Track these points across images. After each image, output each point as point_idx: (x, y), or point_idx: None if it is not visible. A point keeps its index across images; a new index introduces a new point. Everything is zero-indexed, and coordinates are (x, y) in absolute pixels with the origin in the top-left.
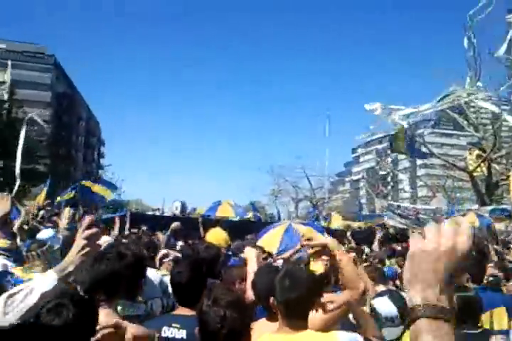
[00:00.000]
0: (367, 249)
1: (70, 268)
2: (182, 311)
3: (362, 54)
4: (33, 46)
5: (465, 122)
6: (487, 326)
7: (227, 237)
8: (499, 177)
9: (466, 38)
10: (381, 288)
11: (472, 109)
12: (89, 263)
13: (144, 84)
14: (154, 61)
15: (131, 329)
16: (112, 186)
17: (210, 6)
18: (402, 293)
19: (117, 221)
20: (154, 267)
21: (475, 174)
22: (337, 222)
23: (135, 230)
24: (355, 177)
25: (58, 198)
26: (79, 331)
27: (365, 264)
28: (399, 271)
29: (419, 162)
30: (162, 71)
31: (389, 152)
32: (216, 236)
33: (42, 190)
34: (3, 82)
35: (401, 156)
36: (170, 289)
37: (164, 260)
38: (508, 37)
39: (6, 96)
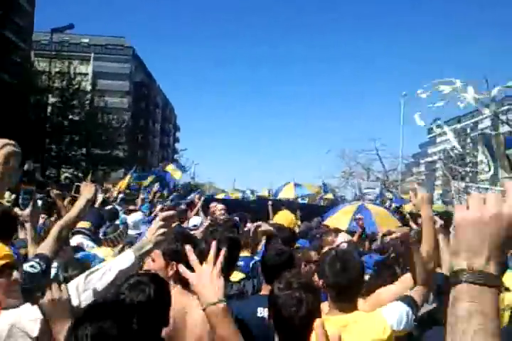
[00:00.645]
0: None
1: (148, 248)
2: None
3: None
4: (112, 39)
5: None
6: None
7: (295, 219)
8: None
9: None
10: None
11: None
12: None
13: (219, 71)
14: (228, 49)
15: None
16: (182, 168)
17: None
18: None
19: (198, 202)
20: None
21: None
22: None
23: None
24: (431, 159)
25: (135, 182)
26: (159, 305)
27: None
28: None
29: None
30: (235, 60)
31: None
32: (284, 217)
33: (126, 176)
34: (86, 74)
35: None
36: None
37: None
38: None
39: (88, 88)
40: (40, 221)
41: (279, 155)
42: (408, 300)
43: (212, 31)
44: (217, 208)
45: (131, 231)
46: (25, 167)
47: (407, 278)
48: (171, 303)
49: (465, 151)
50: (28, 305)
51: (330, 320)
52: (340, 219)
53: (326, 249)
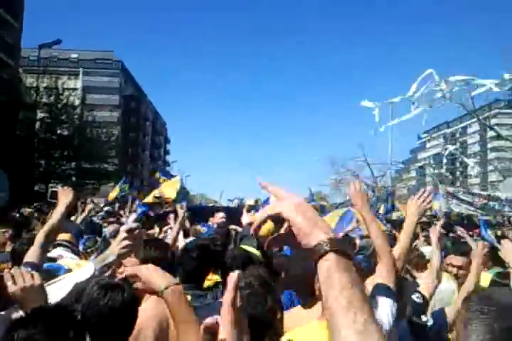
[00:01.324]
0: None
1: (110, 259)
2: None
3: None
4: (101, 53)
5: None
6: None
7: (272, 226)
8: None
9: None
10: None
11: None
12: None
13: (209, 82)
14: (220, 60)
15: None
16: (169, 175)
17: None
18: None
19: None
20: None
21: None
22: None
23: None
24: (420, 164)
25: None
26: (126, 314)
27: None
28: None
29: (489, 145)
30: (226, 69)
31: (457, 136)
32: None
33: (114, 188)
34: (75, 89)
35: (470, 140)
36: None
37: None
38: None
39: (77, 102)
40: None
41: (269, 165)
42: (387, 291)
43: (202, 44)
44: (218, 216)
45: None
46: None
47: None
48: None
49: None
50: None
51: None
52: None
53: None
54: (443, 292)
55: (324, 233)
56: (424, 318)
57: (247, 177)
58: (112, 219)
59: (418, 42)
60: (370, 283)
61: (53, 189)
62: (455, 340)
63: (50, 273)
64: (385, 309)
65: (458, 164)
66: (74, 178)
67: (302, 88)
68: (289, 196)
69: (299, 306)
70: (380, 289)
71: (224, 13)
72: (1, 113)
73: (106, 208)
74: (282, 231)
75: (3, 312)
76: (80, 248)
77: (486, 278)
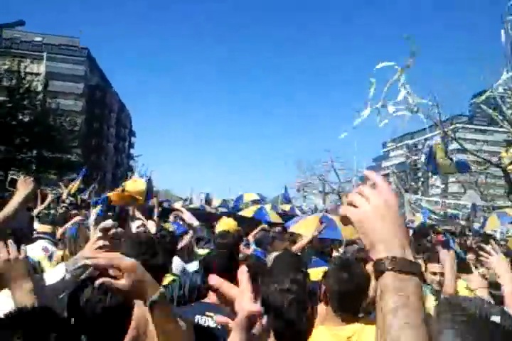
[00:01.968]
0: None
1: (81, 263)
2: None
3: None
4: (66, 39)
5: (500, 117)
6: None
7: (236, 226)
8: None
9: (503, 31)
10: None
11: (509, 104)
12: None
13: (177, 75)
14: (185, 51)
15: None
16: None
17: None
18: None
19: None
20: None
21: (509, 170)
22: None
23: None
24: (384, 172)
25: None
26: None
27: None
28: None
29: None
30: (194, 61)
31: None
32: (228, 224)
33: (77, 180)
34: (38, 74)
35: None
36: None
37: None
38: None
39: (40, 88)
40: None
41: (238, 164)
42: None
43: (168, 34)
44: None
45: None
46: None
47: None
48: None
49: (416, 166)
50: None
51: (333, 330)
52: (307, 226)
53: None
54: None
55: (386, 250)
56: None
57: (216, 173)
58: (75, 212)
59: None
60: None
61: (13, 176)
62: None
63: None
64: None
65: (420, 174)
66: (34, 166)
67: (273, 86)
68: (378, 192)
69: None
70: None
71: (195, 4)
72: None
73: (68, 200)
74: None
75: None
76: None
77: (461, 286)
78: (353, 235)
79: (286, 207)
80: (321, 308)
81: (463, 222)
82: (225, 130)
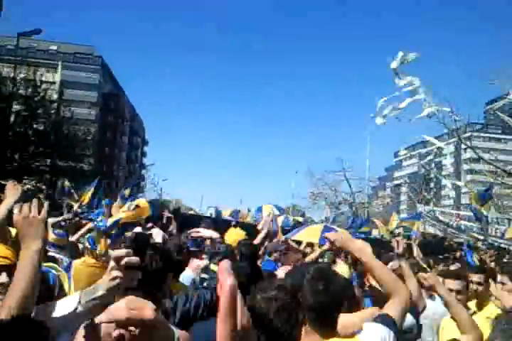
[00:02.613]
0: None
1: (98, 294)
2: None
3: None
4: (82, 47)
5: None
6: None
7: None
8: None
9: None
10: None
11: None
12: None
13: (190, 86)
14: (200, 64)
15: None
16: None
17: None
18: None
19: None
20: None
21: None
22: (382, 229)
23: None
24: (396, 182)
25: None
26: None
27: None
28: None
29: (465, 167)
30: (207, 73)
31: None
32: (236, 234)
33: (88, 190)
34: (53, 83)
35: (445, 161)
36: None
37: None
38: None
39: (55, 97)
40: None
41: (249, 174)
42: (388, 321)
43: (181, 44)
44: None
45: None
46: None
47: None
48: None
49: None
50: None
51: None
52: (310, 234)
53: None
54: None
55: None
56: None
57: (227, 183)
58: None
59: None
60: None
61: (1, 181)
62: None
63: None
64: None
65: (432, 184)
66: (48, 176)
67: (286, 97)
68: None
69: None
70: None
71: (209, 23)
72: None
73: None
74: None
75: None
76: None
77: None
78: None
79: (300, 219)
80: None
81: (476, 235)
82: (236, 139)
